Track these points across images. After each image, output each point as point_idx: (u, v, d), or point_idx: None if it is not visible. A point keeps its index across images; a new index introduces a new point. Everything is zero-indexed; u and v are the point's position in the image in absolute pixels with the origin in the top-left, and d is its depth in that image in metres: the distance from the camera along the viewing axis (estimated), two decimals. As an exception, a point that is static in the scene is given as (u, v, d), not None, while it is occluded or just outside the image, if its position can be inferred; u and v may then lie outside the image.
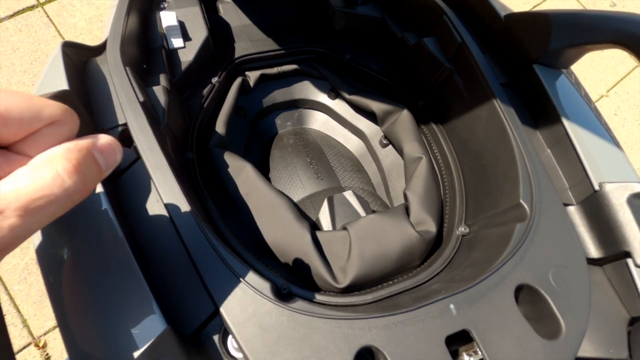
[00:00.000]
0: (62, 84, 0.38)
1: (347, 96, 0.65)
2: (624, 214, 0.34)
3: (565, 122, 0.41)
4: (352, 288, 0.40)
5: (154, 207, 0.35)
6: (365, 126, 0.68)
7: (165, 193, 0.33)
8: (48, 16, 1.37)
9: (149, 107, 0.41)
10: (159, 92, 0.45)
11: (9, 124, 0.18)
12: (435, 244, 0.45)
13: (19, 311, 1.03)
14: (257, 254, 0.44)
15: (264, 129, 0.70)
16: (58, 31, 1.36)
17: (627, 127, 1.65)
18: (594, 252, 0.36)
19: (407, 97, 0.61)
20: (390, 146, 0.64)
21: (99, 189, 0.33)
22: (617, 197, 0.35)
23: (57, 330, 0.97)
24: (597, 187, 0.37)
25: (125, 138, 0.39)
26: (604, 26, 0.39)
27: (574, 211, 0.39)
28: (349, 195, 0.52)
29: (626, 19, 0.38)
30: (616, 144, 0.43)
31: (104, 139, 0.22)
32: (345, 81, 0.66)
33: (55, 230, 0.35)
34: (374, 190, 0.64)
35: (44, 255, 0.34)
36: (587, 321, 0.30)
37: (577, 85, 0.48)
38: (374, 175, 0.66)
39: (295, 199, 0.59)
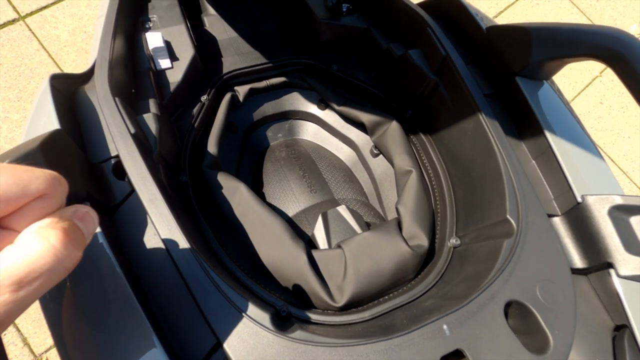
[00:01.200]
0: (52, 121, 0.38)
1: (336, 107, 0.65)
2: (605, 226, 0.36)
3: (548, 133, 0.43)
4: (350, 305, 0.41)
5: (152, 240, 0.36)
6: (355, 136, 0.69)
7: (161, 227, 0.33)
8: (30, 29, 1.35)
9: (141, 138, 0.41)
10: (150, 119, 0.45)
11: None
12: (428, 256, 0.46)
13: (18, 330, 1.03)
14: (254, 274, 0.45)
15: (255, 142, 0.71)
16: (41, 44, 1.34)
17: (612, 115, 1.68)
18: (579, 262, 0.38)
19: (396, 107, 0.62)
20: (381, 156, 0.65)
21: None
22: (599, 210, 0.36)
23: (58, 347, 0.98)
24: (579, 199, 0.38)
25: (118, 170, 0.39)
26: (582, 40, 0.40)
27: (559, 222, 0.40)
28: (342, 210, 0.53)
29: (603, 33, 0.39)
30: (598, 153, 0.44)
31: (82, 208, 0.23)
32: (334, 92, 0.67)
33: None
34: (367, 199, 0.65)
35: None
36: (574, 334, 0.31)
37: (559, 94, 0.49)
38: (366, 184, 0.67)
39: (290, 213, 0.60)
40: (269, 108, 0.71)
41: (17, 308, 0.18)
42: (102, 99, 0.41)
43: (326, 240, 0.50)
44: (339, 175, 0.66)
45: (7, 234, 0.19)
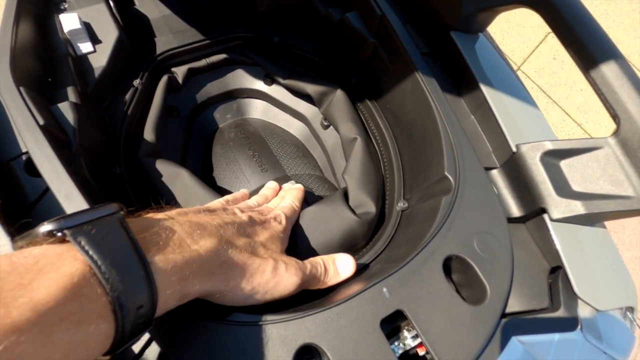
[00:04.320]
0: (-56, 120, 0.34)
1: (281, 81, 0.63)
2: (538, 173, 0.36)
3: (483, 87, 0.42)
4: (300, 280, 0.41)
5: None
6: (305, 109, 0.67)
7: (80, 223, 0.31)
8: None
9: (53, 129, 0.38)
10: (66, 108, 0.42)
11: None
12: (379, 222, 0.46)
13: None
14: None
15: (202, 126, 0.68)
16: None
17: (565, 70, 1.73)
18: (516, 211, 0.38)
19: (340, 74, 0.60)
20: (331, 127, 0.64)
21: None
22: (531, 157, 0.37)
23: None
24: (514, 149, 0.38)
25: (31, 168, 0.36)
26: (509, -12, 0.39)
27: (497, 174, 0.40)
28: (290, 186, 0.51)
29: (528, -22, 0.38)
30: (533, 102, 0.44)
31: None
32: (278, 65, 0.64)
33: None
34: (321, 173, 0.64)
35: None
36: (510, 281, 0.32)
37: (496, 48, 0.49)
38: (319, 157, 0.66)
39: (241, 195, 0.58)
40: (213, 88, 0.68)
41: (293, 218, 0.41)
42: (4, 90, 0.37)
43: (276, 218, 0.49)
44: (291, 151, 0.65)
45: None
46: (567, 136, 1.64)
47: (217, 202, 0.37)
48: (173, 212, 0.29)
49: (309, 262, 0.35)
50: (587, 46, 0.34)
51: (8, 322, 0.16)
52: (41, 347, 0.17)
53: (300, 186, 0.48)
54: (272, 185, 0.49)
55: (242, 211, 0.35)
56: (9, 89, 0.37)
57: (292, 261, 0.33)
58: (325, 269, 0.35)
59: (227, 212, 0.34)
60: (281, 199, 0.44)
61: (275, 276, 0.31)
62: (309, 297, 0.34)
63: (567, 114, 1.66)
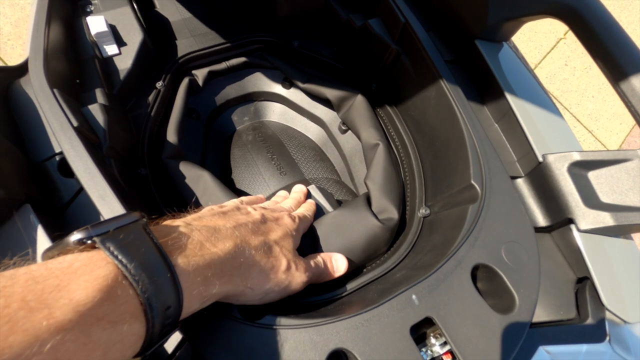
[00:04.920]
0: (-18, 120, 0.35)
1: (300, 85, 0.63)
2: (565, 183, 0.36)
3: (508, 95, 0.43)
4: (324, 284, 0.41)
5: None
6: (323, 113, 0.68)
7: (115, 224, 0.32)
8: (-34, 24, 1.24)
9: (86, 131, 0.38)
10: (96, 110, 0.42)
11: None
12: (400, 228, 0.46)
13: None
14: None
15: (220, 128, 0.68)
16: (-19, 39, 1.23)
17: (576, 76, 1.72)
18: (542, 220, 0.39)
19: (360, 80, 0.61)
20: (350, 131, 0.64)
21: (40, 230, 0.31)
22: (559, 167, 0.37)
23: None
24: (540, 159, 0.39)
25: (64, 168, 0.37)
26: (537, -2, 0.39)
27: (522, 183, 0.40)
28: (312, 189, 0.52)
29: (557, -11, 0.38)
30: (558, 112, 0.45)
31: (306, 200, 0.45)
32: (297, 69, 0.65)
33: None
34: (338, 177, 0.64)
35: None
36: (538, 291, 0.32)
37: (518, 54, 0.49)
38: (337, 161, 0.66)
39: (261, 198, 0.58)
40: (231, 91, 0.68)
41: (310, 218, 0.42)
42: (38, 92, 0.38)
43: (297, 222, 0.50)
44: (309, 155, 0.65)
45: None
46: (578, 143, 1.63)
47: (232, 203, 0.38)
48: (189, 218, 0.30)
49: (312, 261, 0.36)
50: (617, 58, 0.34)
51: (52, 323, 0.17)
52: (82, 345, 0.18)
53: (312, 201, 0.48)
54: (282, 193, 0.50)
55: (254, 209, 0.36)
56: (44, 91, 0.38)
57: (301, 260, 0.35)
58: (325, 266, 0.37)
59: (240, 212, 0.35)
60: (294, 205, 0.46)
61: (289, 275, 0.32)
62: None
63: (578, 120, 1.66)
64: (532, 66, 1.73)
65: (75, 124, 0.37)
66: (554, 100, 1.68)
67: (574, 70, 1.73)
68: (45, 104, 0.37)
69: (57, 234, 0.32)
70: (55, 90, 0.39)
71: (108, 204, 0.32)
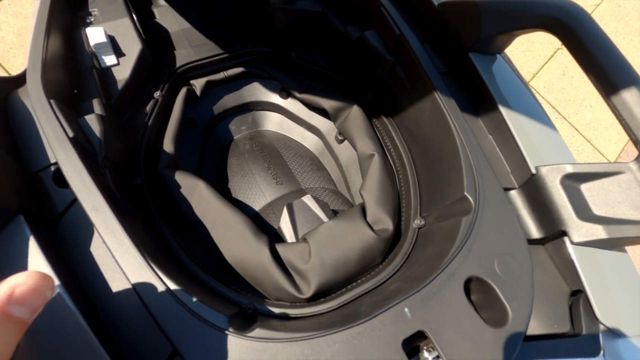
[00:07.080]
0: (-22, 130, 0.35)
1: (297, 95, 0.64)
2: (558, 195, 0.36)
3: (502, 107, 0.43)
4: (318, 296, 0.41)
5: (98, 250, 0.34)
6: (320, 123, 0.68)
7: (107, 235, 0.32)
8: (-31, 32, 1.25)
9: (82, 142, 0.38)
10: (93, 121, 0.43)
11: None
12: (395, 239, 0.46)
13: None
14: (220, 274, 0.44)
15: (218, 137, 0.69)
16: (-16, 48, 1.25)
17: (574, 85, 1.73)
18: (535, 232, 0.39)
19: (356, 90, 0.61)
20: (346, 141, 0.64)
21: (32, 243, 0.31)
22: (552, 180, 0.37)
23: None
24: (533, 171, 0.39)
25: (59, 178, 0.37)
26: (528, 12, 0.40)
27: (515, 195, 0.41)
28: (307, 200, 0.52)
29: (549, 4, 0.39)
30: (551, 124, 0.45)
31: (23, 285, 0.18)
32: (294, 79, 0.65)
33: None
34: (335, 187, 0.64)
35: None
36: (532, 305, 0.32)
37: (512, 67, 0.49)
38: (333, 171, 0.66)
39: (257, 207, 0.58)
40: (229, 101, 0.69)
41: None
42: (35, 102, 0.38)
43: (292, 232, 0.50)
44: (305, 165, 0.65)
45: None
46: (576, 152, 1.64)
47: None
48: None
49: None
50: (608, 72, 0.35)
51: None
52: None
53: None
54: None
55: None
56: (41, 102, 0.38)
57: None
58: None
59: None
60: None
61: None
62: None
63: (576, 129, 1.66)
64: (530, 76, 1.74)
65: (71, 134, 0.37)
66: (552, 110, 1.69)
67: (572, 80, 1.74)
68: (42, 114, 0.38)
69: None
70: (52, 101, 0.39)
71: (102, 215, 0.32)
